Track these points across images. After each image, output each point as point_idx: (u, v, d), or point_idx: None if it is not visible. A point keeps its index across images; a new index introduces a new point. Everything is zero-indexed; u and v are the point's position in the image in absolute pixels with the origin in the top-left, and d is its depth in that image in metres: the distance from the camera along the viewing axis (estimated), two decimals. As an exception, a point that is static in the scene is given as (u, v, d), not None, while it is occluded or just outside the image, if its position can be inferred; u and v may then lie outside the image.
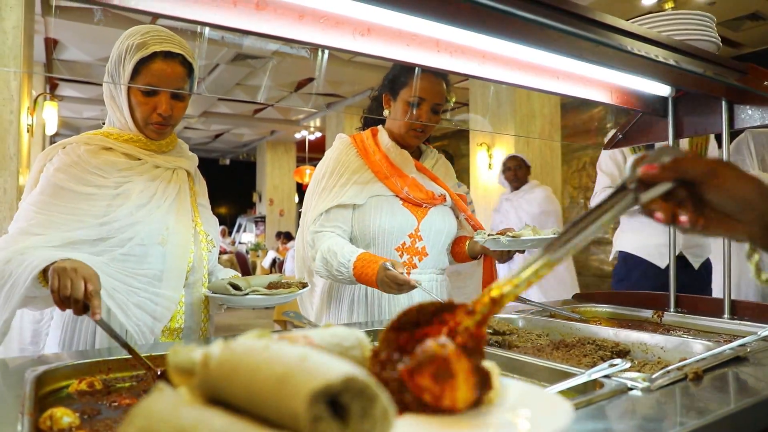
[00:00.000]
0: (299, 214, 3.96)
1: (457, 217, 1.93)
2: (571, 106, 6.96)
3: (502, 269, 2.17)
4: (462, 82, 7.05)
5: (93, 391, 0.98)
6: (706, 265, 2.48)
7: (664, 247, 2.39)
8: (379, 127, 1.91)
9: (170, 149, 1.54)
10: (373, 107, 1.99)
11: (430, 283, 1.81)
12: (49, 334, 1.47)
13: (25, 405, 0.80)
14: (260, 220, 14.21)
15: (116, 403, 0.92)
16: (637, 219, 2.53)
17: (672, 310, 1.70)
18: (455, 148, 10.30)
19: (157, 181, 1.47)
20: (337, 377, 0.41)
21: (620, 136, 1.87)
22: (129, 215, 1.39)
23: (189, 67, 1.45)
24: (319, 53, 1.82)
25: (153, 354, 1.11)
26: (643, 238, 2.48)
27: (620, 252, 2.61)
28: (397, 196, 1.79)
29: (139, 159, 1.46)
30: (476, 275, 2.02)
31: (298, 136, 12.30)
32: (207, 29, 1.50)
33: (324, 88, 8.44)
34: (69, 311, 1.37)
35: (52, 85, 8.39)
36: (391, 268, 1.52)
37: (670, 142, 1.68)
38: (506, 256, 1.77)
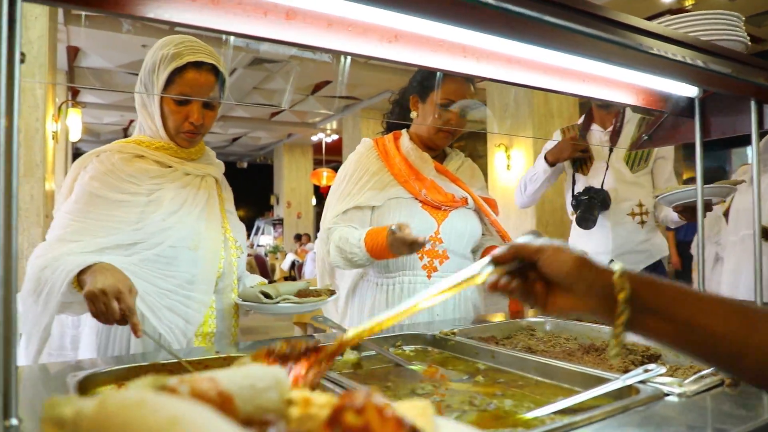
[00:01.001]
0: (317, 216, 3.98)
1: (484, 222, 1.93)
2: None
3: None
4: (478, 82, 7.02)
5: (130, 397, 1.00)
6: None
7: (596, 255, 2.41)
8: (402, 130, 1.92)
9: (199, 156, 1.57)
10: (395, 110, 2.00)
11: None
12: (82, 340, 1.50)
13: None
14: (278, 223, 14.31)
15: (154, 410, 0.94)
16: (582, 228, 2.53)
17: (701, 312, 1.67)
18: (472, 149, 10.27)
19: (187, 188, 1.49)
20: None
21: (645, 137, 1.85)
22: (161, 221, 1.41)
23: (219, 77, 1.48)
24: (342, 58, 1.83)
25: (190, 359, 1.12)
26: (582, 244, 2.48)
27: None
28: (416, 198, 1.80)
29: (170, 167, 1.49)
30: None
31: (314, 138, 12.36)
32: (232, 38, 1.52)
33: (340, 91, 8.47)
34: None
35: (73, 92, 8.53)
36: (397, 230, 1.53)
37: (697, 142, 1.66)
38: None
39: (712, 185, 1.97)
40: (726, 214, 2.82)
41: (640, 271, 2.41)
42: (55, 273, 1.24)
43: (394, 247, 1.57)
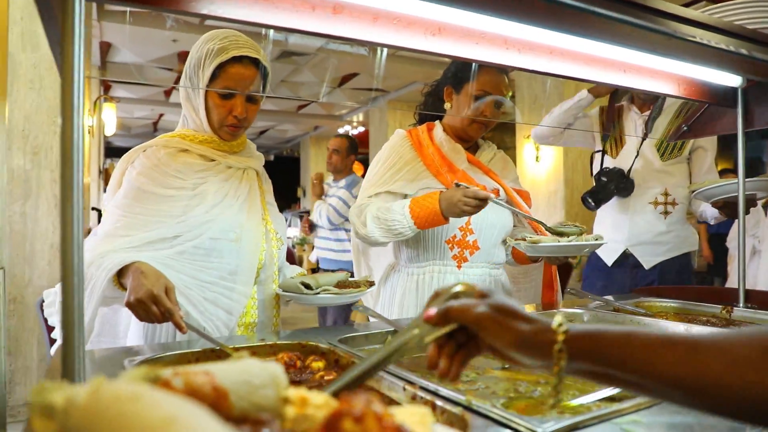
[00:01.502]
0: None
1: (515, 214, 1.93)
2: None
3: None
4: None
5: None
6: (659, 268, 2.39)
7: (613, 242, 2.37)
8: (436, 122, 1.94)
9: (241, 149, 1.60)
10: (429, 102, 2.01)
11: (482, 278, 1.82)
12: (131, 328, 1.55)
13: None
14: (305, 215, 14.40)
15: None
16: (602, 210, 2.48)
17: (741, 305, 1.66)
18: (499, 141, 10.18)
19: (230, 181, 1.52)
20: None
21: (685, 127, 1.83)
22: (204, 213, 1.44)
23: (262, 71, 1.50)
24: (378, 51, 1.85)
25: (237, 346, 1.16)
26: (602, 230, 2.43)
27: None
28: (448, 189, 1.80)
29: (213, 160, 1.52)
30: (537, 279, 2.01)
31: (341, 131, 12.40)
32: (271, 31, 1.55)
33: (367, 82, 8.48)
34: None
35: (105, 87, 8.70)
36: (462, 184, 1.57)
37: (739, 133, 1.64)
38: (555, 261, 1.77)
39: (756, 179, 1.89)
40: (766, 206, 2.77)
41: (660, 262, 2.36)
42: (99, 270, 1.29)
43: (457, 206, 1.58)
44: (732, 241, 4.23)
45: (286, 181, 16.04)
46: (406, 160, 1.85)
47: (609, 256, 2.42)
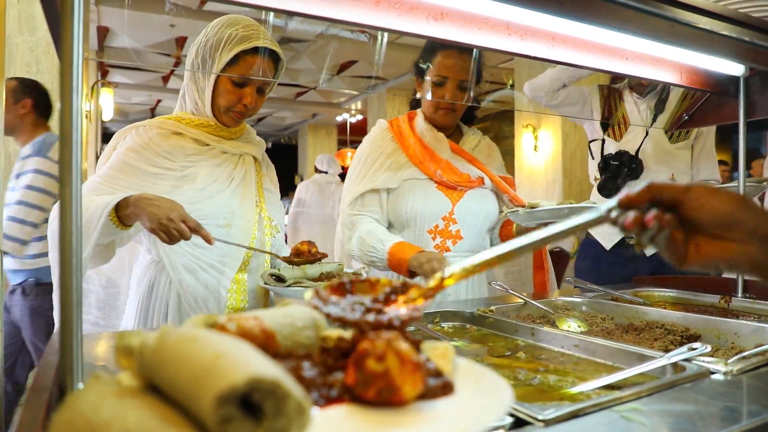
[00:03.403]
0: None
1: (503, 200, 1.92)
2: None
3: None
4: (507, 62, 6.94)
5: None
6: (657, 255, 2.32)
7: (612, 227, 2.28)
8: (418, 110, 1.92)
9: (239, 135, 1.59)
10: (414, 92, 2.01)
11: None
12: (126, 311, 1.55)
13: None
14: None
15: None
16: (601, 196, 2.38)
17: (740, 295, 1.66)
18: (497, 130, 10.18)
19: (222, 166, 1.51)
20: (242, 379, 0.40)
21: (686, 116, 1.83)
22: (191, 195, 1.43)
23: (278, 66, 1.50)
24: (379, 37, 1.83)
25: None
26: None
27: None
28: (431, 179, 1.80)
29: (207, 144, 1.51)
30: (525, 264, 2.00)
31: (339, 119, 12.35)
32: (272, 15, 1.53)
33: (366, 70, 8.43)
34: (142, 290, 1.46)
35: (102, 72, 8.64)
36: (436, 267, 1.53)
37: (741, 122, 1.63)
38: None
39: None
40: (761, 199, 2.76)
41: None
42: (88, 212, 1.23)
43: (416, 266, 1.57)
44: None
45: (284, 169, 16.04)
46: (388, 153, 1.83)
47: (607, 240, 2.34)
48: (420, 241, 1.78)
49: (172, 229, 1.20)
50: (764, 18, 1.38)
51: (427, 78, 1.80)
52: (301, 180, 14.34)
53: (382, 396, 0.51)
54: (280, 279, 1.45)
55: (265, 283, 1.46)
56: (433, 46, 1.78)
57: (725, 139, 6.69)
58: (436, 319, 1.40)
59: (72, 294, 0.72)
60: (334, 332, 0.59)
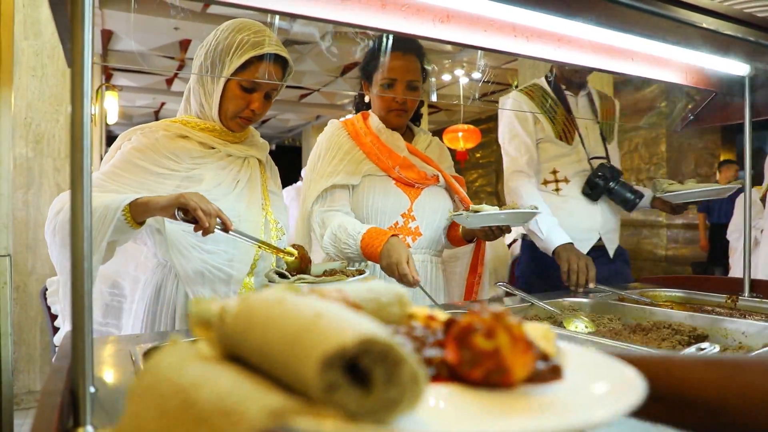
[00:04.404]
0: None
1: (453, 200, 1.92)
2: (624, 85, 6.77)
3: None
4: (511, 62, 6.93)
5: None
6: (620, 254, 2.20)
7: (587, 232, 2.10)
8: (370, 111, 1.92)
9: (244, 139, 1.59)
10: (356, 98, 2.02)
11: (424, 264, 1.82)
12: (131, 316, 1.55)
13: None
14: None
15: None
16: (568, 201, 2.13)
17: (747, 294, 1.66)
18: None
19: (227, 169, 1.51)
20: (353, 339, 0.34)
21: (691, 117, 1.83)
22: None
23: (287, 72, 1.50)
24: (384, 39, 1.84)
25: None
26: (571, 222, 2.07)
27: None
28: (389, 176, 1.80)
29: (213, 148, 1.51)
30: (465, 258, 1.99)
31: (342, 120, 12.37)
32: (277, 18, 1.54)
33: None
34: (149, 294, 1.46)
35: (107, 75, 8.67)
36: (402, 263, 1.51)
37: (746, 122, 1.63)
38: (492, 235, 1.67)
39: (705, 188, 1.87)
40: (763, 199, 2.76)
41: (617, 248, 2.15)
42: (98, 211, 1.21)
43: (386, 261, 1.55)
44: (732, 234, 4.24)
45: (288, 171, 16.06)
46: (345, 149, 1.83)
47: (582, 246, 2.10)
48: None
49: (200, 210, 1.20)
50: (770, 18, 1.38)
51: (375, 81, 1.81)
52: (305, 182, 14.42)
53: (490, 377, 0.45)
54: (283, 276, 1.46)
55: (270, 281, 1.47)
56: (379, 49, 1.79)
57: (730, 139, 6.67)
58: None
59: (83, 298, 0.72)
60: (422, 310, 0.54)
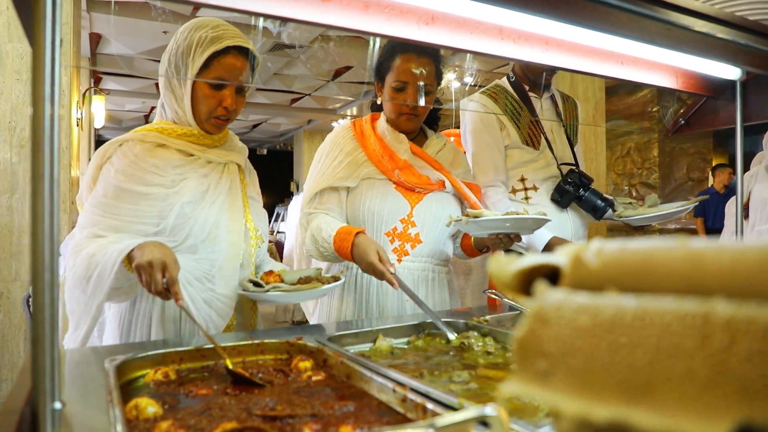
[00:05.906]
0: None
1: (464, 206, 1.87)
2: (616, 89, 6.78)
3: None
4: (502, 67, 6.93)
5: (168, 381, 1.00)
6: None
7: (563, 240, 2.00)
8: (381, 112, 1.89)
9: (222, 143, 1.55)
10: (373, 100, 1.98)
11: (424, 273, 1.77)
12: (106, 327, 1.50)
13: (113, 395, 0.82)
14: (297, 210, 14.34)
15: (192, 393, 0.94)
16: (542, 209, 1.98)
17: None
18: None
19: (209, 177, 1.48)
20: None
21: (683, 121, 1.81)
22: (183, 213, 1.40)
23: (253, 61, 1.46)
24: (371, 42, 1.80)
25: (224, 345, 1.12)
26: (546, 229, 1.97)
27: None
28: (389, 179, 1.76)
29: (192, 155, 1.47)
30: (480, 271, 1.95)
31: (335, 124, 12.31)
32: (261, 20, 1.51)
33: (361, 75, 8.42)
34: (124, 305, 1.42)
35: (95, 79, 8.60)
36: (374, 258, 1.49)
37: (738, 126, 1.61)
38: (501, 244, 1.63)
39: (658, 213, 1.85)
40: (746, 207, 2.70)
41: None
42: (105, 256, 1.26)
43: (358, 258, 1.54)
44: (725, 238, 4.25)
45: (279, 176, 15.99)
46: (347, 151, 1.80)
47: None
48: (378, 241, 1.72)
49: (147, 273, 1.19)
50: (760, 21, 1.36)
51: (387, 83, 1.77)
52: (297, 187, 14.32)
53: None
54: (258, 285, 1.43)
55: (244, 290, 1.44)
56: (393, 51, 1.75)
57: (722, 143, 6.69)
58: (426, 331, 1.37)
59: (44, 310, 0.69)
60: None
